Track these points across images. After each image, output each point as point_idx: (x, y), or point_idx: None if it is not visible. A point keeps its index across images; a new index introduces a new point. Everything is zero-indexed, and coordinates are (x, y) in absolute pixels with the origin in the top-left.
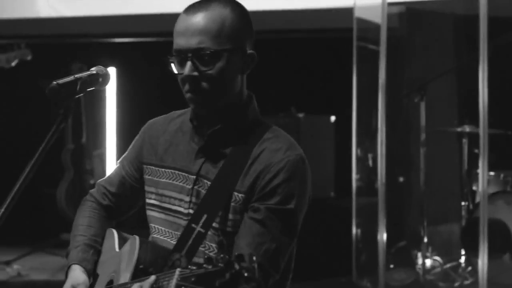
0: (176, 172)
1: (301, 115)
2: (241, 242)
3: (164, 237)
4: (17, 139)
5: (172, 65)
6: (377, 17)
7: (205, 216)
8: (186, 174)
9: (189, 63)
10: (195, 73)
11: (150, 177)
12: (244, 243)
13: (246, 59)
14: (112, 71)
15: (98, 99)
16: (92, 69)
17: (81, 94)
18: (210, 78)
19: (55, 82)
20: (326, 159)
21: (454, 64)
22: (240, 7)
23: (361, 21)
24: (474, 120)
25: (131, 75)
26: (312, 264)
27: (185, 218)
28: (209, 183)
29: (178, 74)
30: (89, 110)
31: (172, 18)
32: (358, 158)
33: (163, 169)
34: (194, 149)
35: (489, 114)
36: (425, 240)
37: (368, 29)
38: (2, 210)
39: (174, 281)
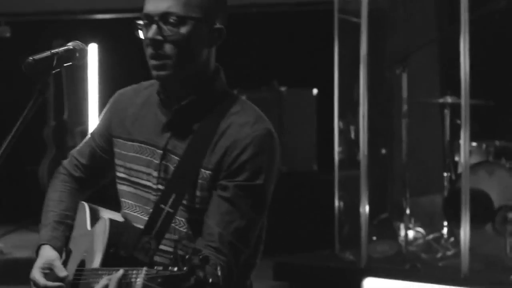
0: (143, 145)
1: (283, 88)
2: (210, 221)
3: (135, 212)
4: None
5: (140, 31)
6: None
7: (173, 196)
8: (153, 148)
9: (154, 26)
10: (159, 37)
11: (119, 150)
12: (213, 222)
13: (214, 33)
14: (94, 47)
15: (80, 76)
16: (69, 44)
17: (58, 69)
18: (174, 42)
19: (31, 58)
20: (308, 132)
21: (435, 35)
22: None
23: None
24: (456, 91)
25: (113, 51)
26: (295, 237)
27: (154, 193)
28: (176, 158)
29: (144, 39)
30: (70, 87)
31: None
32: (340, 131)
33: (130, 143)
34: (160, 122)
35: (470, 84)
36: (408, 211)
37: (349, 1)
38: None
39: (141, 281)
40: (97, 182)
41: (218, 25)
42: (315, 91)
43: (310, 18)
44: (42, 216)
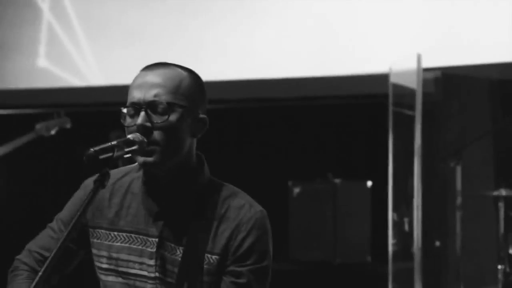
0: (133, 235)
1: (337, 180)
2: None
3: None
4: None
5: (125, 117)
6: (413, 83)
7: (186, 285)
8: (145, 237)
9: (142, 113)
10: (148, 124)
11: (99, 241)
12: None
13: (198, 122)
14: None
15: None
16: (129, 136)
17: (118, 161)
18: (162, 129)
19: (92, 149)
20: (362, 224)
21: (489, 128)
22: (197, 74)
23: (396, 86)
24: (510, 183)
25: None
26: None
27: (152, 281)
28: (172, 245)
29: (128, 126)
30: None
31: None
32: (394, 223)
33: (115, 232)
34: (150, 211)
35: None
36: None
37: (404, 94)
38: (37, 279)
39: None
40: (59, 275)
41: (202, 115)
42: (369, 183)
43: (365, 110)
44: None
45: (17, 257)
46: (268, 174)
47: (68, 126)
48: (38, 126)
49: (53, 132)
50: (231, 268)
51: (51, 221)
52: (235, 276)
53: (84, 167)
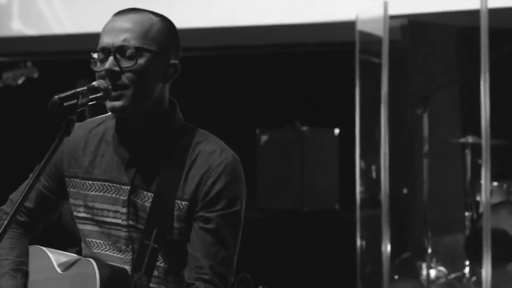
0: (106, 183)
1: (305, 128)
2: (197, 254)
3: (105, 251)
4: (24, 155)
5: (95, 63)
6: (379, 30)
7: (155, 231)
8: (118, 185)
9: (111, 58)
10: (116, 68)
11: (75, 190)
12: (201, 254)
13: (169, 68)
14: None
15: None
16: (93, 83)
17: (83, 108)
18: (131, 73)
19: (56, 96)
20: (330, 172)
21: (456, 75)
22: (169, 20)
23: (363, 34)
24: (476, 131)
25: None
26: (317, 276)
27: (125, 229)
28: (145, 192)
29: (98, 71)
30: None
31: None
32: (361, 170)
33: (90, 181)
34: (122, 159)
35: (491, 124)
36: (429, 251)
37: (371, 42)
38: (6, 222)
39: None
40: (42, 225)
41: (173, 60)
42: (337, 131)
43: (332, 58)
44: None
45: (2, 207)
46: (236, 121)
47: (36, 75)
48: (4, 76)
49: (20, 81)
50: (200, 213)
51: (32, 171)
52: (204, 222)
53: (49, 114)
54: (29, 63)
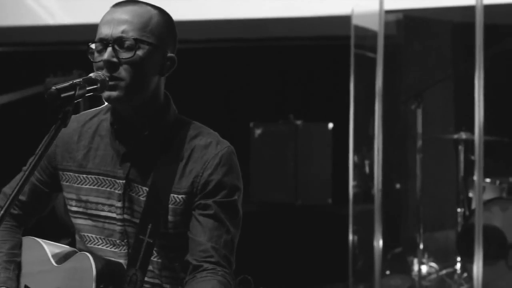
0: (101, 177)
1: (299, 122)
2: (200, 239)
3: (99, 245)
4: (17, 148)
5: (93, 53)
6: (375, 25)
7: (150, 226)
8: (113, 179)
9: (109, 49)
10: (114, 59)
11: (68, 183)
12: (204, 239)
13: (166, 61)
14: None
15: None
16: (90, 74)
17: (79, 99)
18: (128, 64)
19: (53, 87)
20: (323, 166)
21: (450, 71)
22: (167, 13)
23: (358, 28)
24: (470, 127)
25: None
26: (309, 270)
27: (120, 223)
28: (140, 187)
29: (95, 62)
30: None
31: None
32: (355, 165)
33: (84, 175)
34: (117, 153)
35: (484, 121)
36: (421, 246)
37: (366, 36)
38: (2, 212)
39: None
40: (35, 217)
41: (170, 54)
42: (330, 125)
43: (327, 52)
44: None
45: None
46: (230, 115)
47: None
48: (47, 80)
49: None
50: (199, 202)
51: (25, 165)
52: (203, 209)
53: (46, 105)
54: (74, 71)
